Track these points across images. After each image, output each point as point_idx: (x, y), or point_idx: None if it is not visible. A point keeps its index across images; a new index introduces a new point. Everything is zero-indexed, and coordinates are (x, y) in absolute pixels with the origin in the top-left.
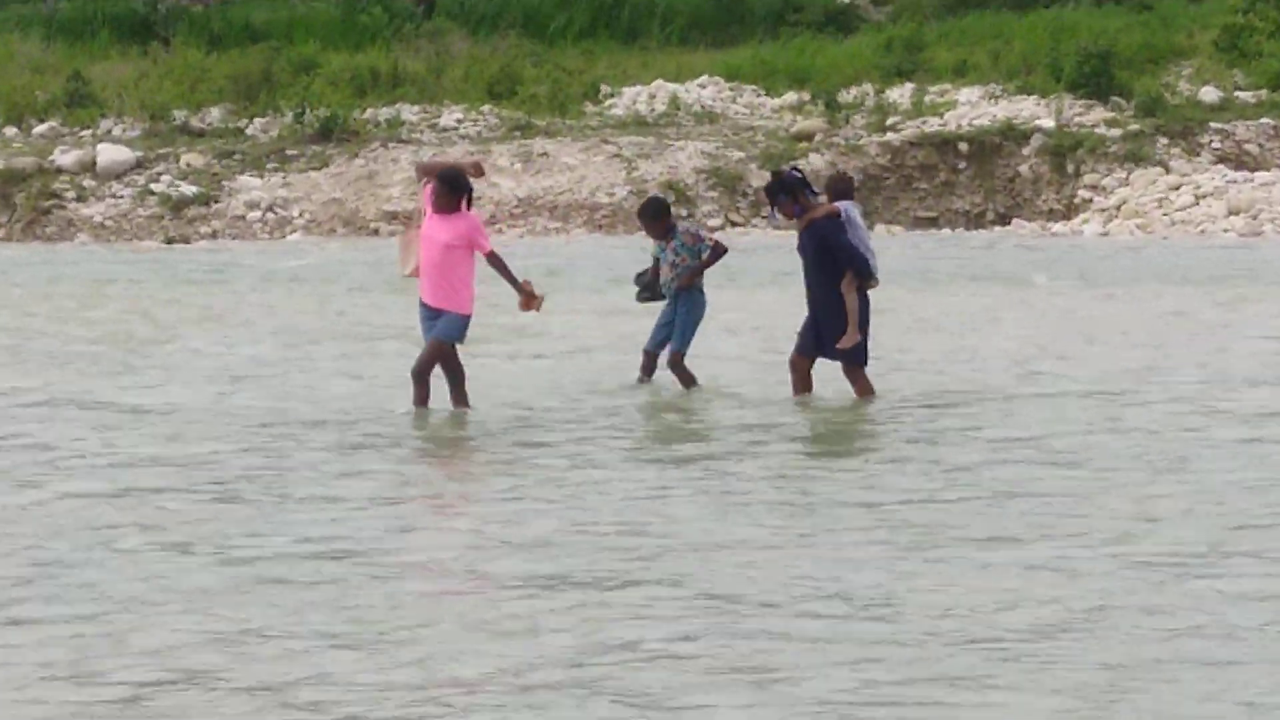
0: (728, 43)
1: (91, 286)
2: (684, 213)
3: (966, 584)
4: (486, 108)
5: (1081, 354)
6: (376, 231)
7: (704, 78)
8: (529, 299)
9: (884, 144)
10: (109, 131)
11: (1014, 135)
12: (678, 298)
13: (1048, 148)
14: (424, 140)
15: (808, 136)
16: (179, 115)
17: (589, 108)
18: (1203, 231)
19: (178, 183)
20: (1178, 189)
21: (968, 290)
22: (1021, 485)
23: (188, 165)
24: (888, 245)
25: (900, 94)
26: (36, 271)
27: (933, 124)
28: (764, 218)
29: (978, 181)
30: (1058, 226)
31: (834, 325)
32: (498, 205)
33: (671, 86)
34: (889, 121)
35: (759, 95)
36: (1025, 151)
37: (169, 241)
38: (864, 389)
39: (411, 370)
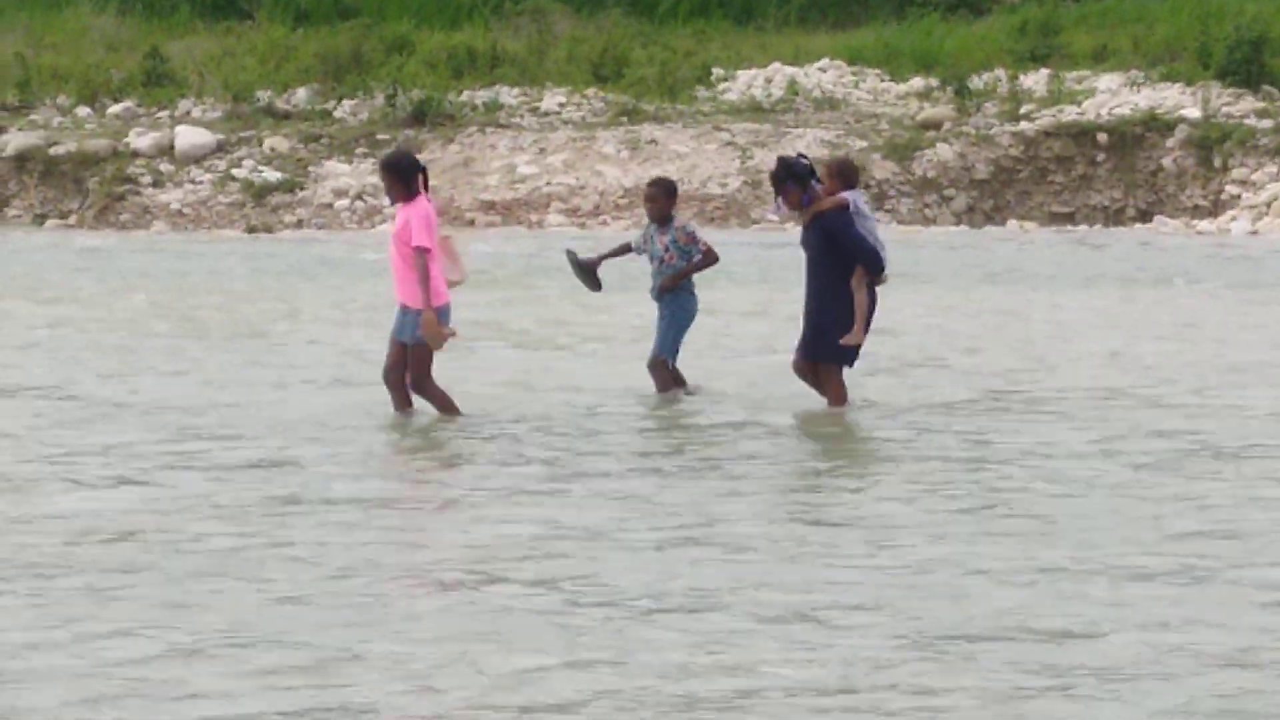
0: (850, 24)
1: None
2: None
3: None
4: (591, 91)
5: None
6: (472, 223)
7: (824, 61)
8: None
9: (1017, 134)
10: (188, 113)
11: (1157, 126)
12: (662, 299)
13: (1193, 139)
14: (524, 125)
15: (935, 125)
16: (263, 96)
17: (701, 92)
18: None
19: (261, 168)
20: None
21: (1104, 291)
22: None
23: (271, 149)
24: (1024, 241)
25: (1035, 80)
26: (114, 261)
27: (1069, 113)
28: (774, 212)
29: (1117, 175)
30: (1203, 224)
31: (832, 323)
32: (602, 195)
33: (789, 70)
34: (1022, 110)
35: (883, 80)
36: (1169, 144)
37: (251, 230)
38: (838, 396)
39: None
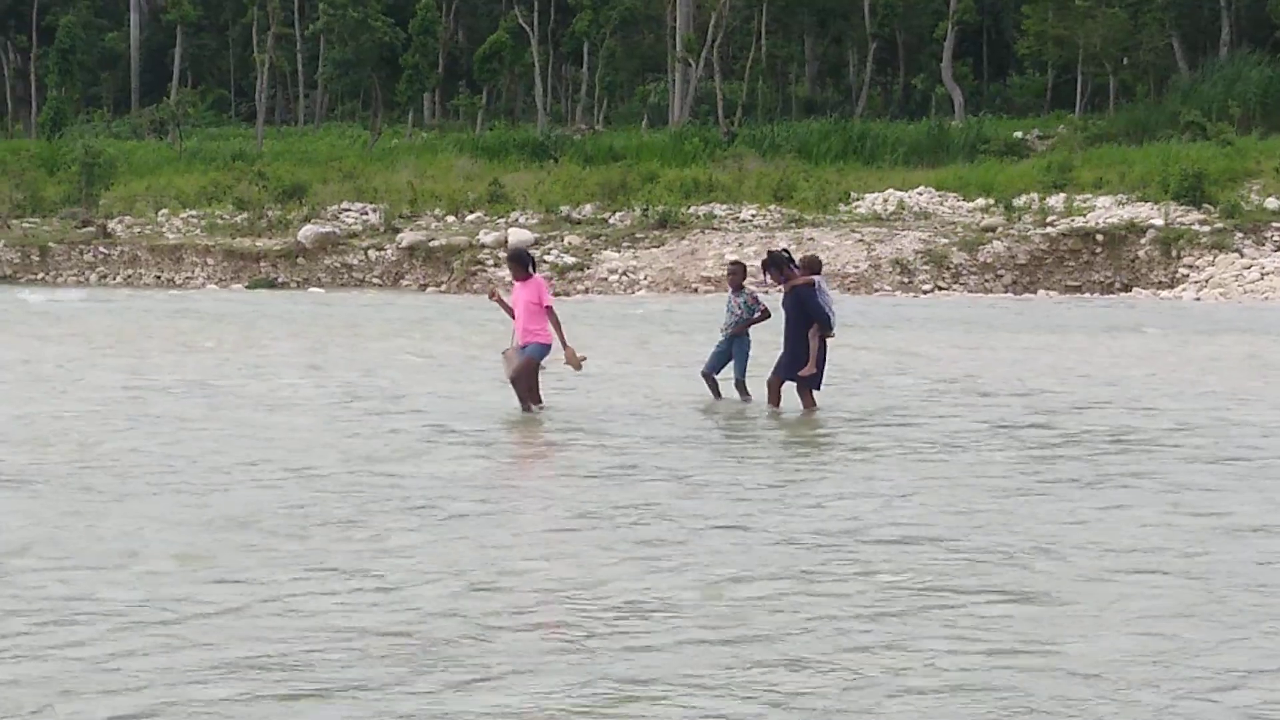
0: (937, 164)
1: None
2: (904, 279)
3: None
4: (772, 206)
5: (1169, 380)
6: (695, 290)
7: (921, 188)
8: (573, 359)
9: (1045, 235)
10: (516, 220)
11: (1135, 229)
12: (732, 340)
13: (1158, 238)
14: (729, 228)
15: (991, 229)
16: (564, 209)
17: (842, 207)
18: (1266, 298)
19: (562, 255)
20: (1249, 268)
21: (1099, 337)
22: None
23: (569, 243)
24: (1044, 307)
25: (1056, 200)
26: (467, 315)
27: (1078, 221)
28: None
29: (1109, 261)
30: (1165, 294)
31: (801, 360)
32: None
33: (898, 194)
34: (1048, 219)
35: (958, 200)
36: (1142, 241)
37: (556, 295)
38: (809, 405)
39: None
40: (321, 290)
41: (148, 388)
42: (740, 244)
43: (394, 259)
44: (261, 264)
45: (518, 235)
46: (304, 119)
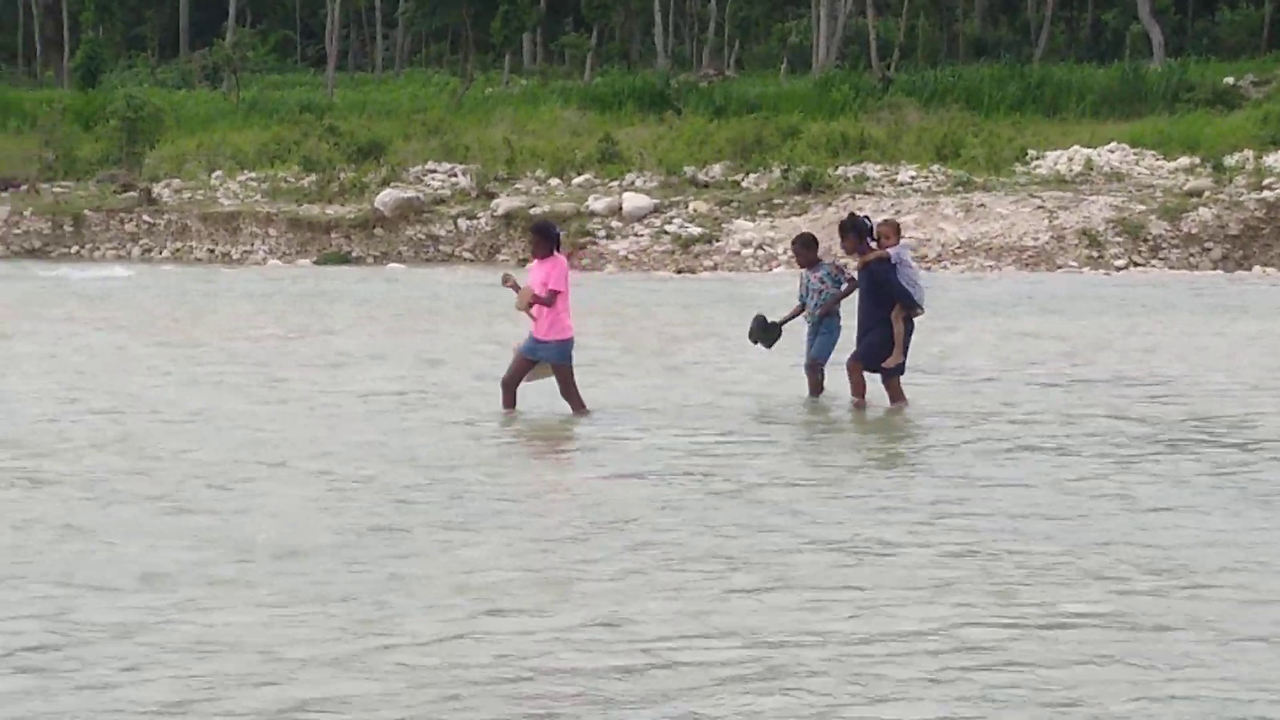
0: (1132, 116)
1: (622, 306)
2: (1093, 253)
3: None
4: (935, 167)
5: None
6: (846, 266)
7: (1112, 144)
8: (524, 300)
9: (1261, 200)
10: (632, 183)
11: None
12: (820, 322)
13: None
14: (884, 192)
15: (1197, 194)
16: (688, 170)
17: (1018, 168)
18: None
19: (686, 225)
20: None
21: None
22: None
23: (694, 211)
24: (1260, 287)
25: (1275, 159)
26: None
27: None
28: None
29: None
30: None
31: (876, 343)
32: (943, 246)
33: (1086, 151)
34: (1265, 182)
35: (1157, 159)
36: None
37: (679, 272)
38: (896, 396)
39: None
40: (402, 266)
41: (203, 380)
42: (897, 210)
43: (488, 229)
44: (332, 235)
45: (633, 201)
46: (382, 65)
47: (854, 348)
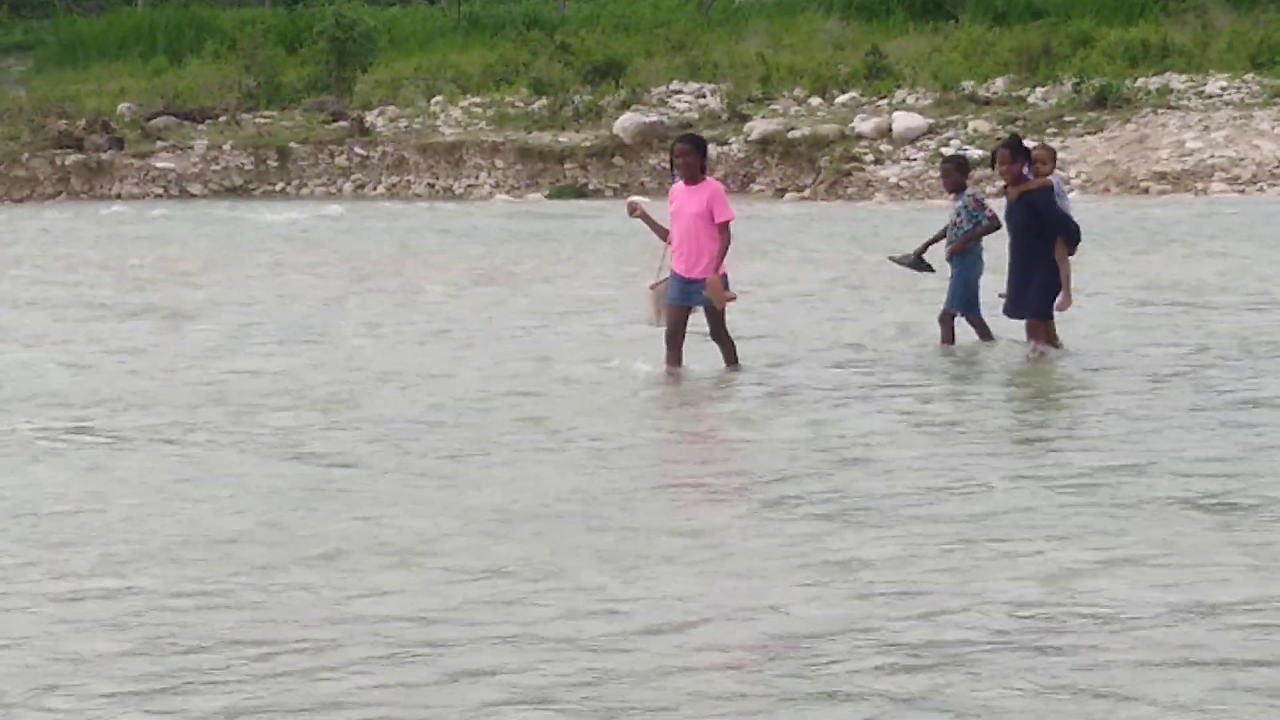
0: None
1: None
2: None
3: None
4: (1249, 76)
5: None
6: (1146, 190)
7: None
8: (717, 291)
9: None
10: (903, 101)
11: None
12: (953, 260)
13: None
14: (1190, 106)
15: None
16: (967, 85)
17: None
18: None
19: (966, 147)
20: None
21: None
22: None
23: (975, 131)
24: None
25: None
26: (838, 230)
27: None
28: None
29: None
30: None
31: (1032, 285)
32: (1259, 165)
33: None
34: None
35: None
36: None
37: None
38: (1051, 339)
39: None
40: (644, 200)
41: (417, 334)
42: (1205, 127)
43: (741, 156)
44: (566, 165)
45: (905, 122)
46: None
47: (1004, 297)
